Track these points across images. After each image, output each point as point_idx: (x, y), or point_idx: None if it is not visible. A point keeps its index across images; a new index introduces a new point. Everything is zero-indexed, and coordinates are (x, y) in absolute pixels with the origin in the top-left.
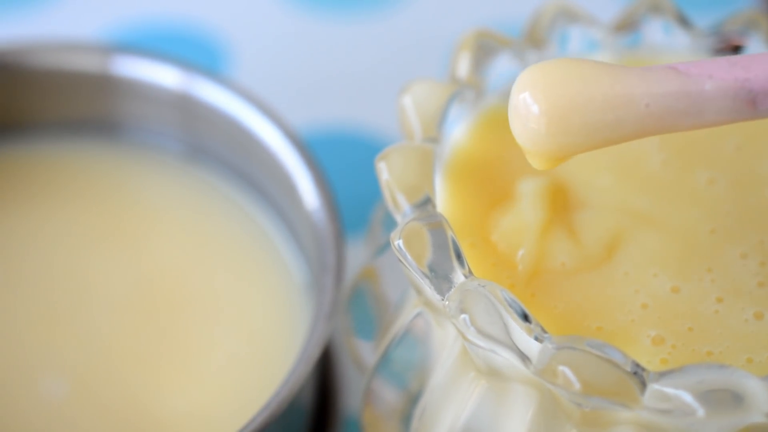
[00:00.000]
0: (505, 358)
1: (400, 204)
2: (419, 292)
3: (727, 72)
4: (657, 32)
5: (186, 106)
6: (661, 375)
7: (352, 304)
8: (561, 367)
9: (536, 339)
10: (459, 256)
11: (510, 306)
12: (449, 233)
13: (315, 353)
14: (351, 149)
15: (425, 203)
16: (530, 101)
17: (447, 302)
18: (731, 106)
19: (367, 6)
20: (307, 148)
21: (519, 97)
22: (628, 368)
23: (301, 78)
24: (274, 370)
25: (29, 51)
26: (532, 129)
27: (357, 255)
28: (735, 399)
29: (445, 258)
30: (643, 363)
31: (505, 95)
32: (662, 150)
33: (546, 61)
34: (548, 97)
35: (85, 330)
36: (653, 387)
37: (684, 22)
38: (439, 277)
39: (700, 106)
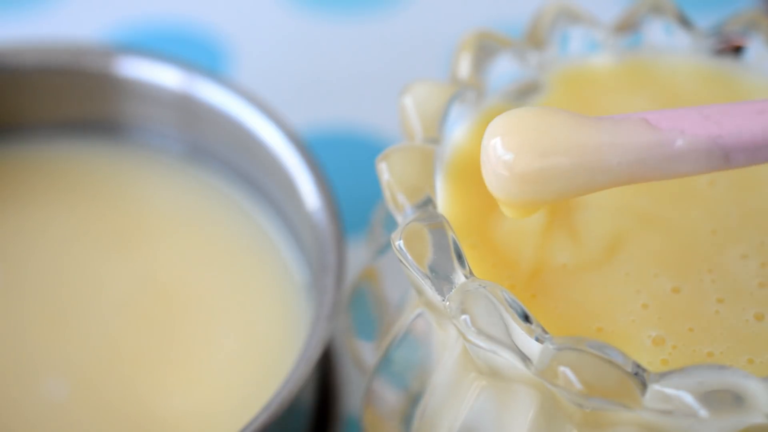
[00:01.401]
0: (505, 358)
1: (400, 204)
2: (420, 292)
3: (699, 127)
4: (658, 33)
5: (187, 107)
6: (662, 376)
7: (352, 304)
8: (562, 368)
9: (537, 340)
10: (460, 257)
11: (511, 306)
12: (450, 234)
13: (315, 354)
14: (352, 150)
15: (426, 204)
16: (501, 149)
17: (448, 303)
18: (704, 161)
19: (368, 7)
20: (308, 149)
21: (490, 142)
22: (629, 369)
23: (302, 78)
24: (274, 370)
25: (29, 51)
26: (501, 176)
27: (358, 255)
28: (736, 400)
29: (445, 258)
30: (644, 364)
31: (507, 96)
32: None
33: (520, 108)
34: (519, 145)
35: (86, 330)
36: (654, 388)
37: (685, 22)
38: (440, 277)
39: (671, 161)
